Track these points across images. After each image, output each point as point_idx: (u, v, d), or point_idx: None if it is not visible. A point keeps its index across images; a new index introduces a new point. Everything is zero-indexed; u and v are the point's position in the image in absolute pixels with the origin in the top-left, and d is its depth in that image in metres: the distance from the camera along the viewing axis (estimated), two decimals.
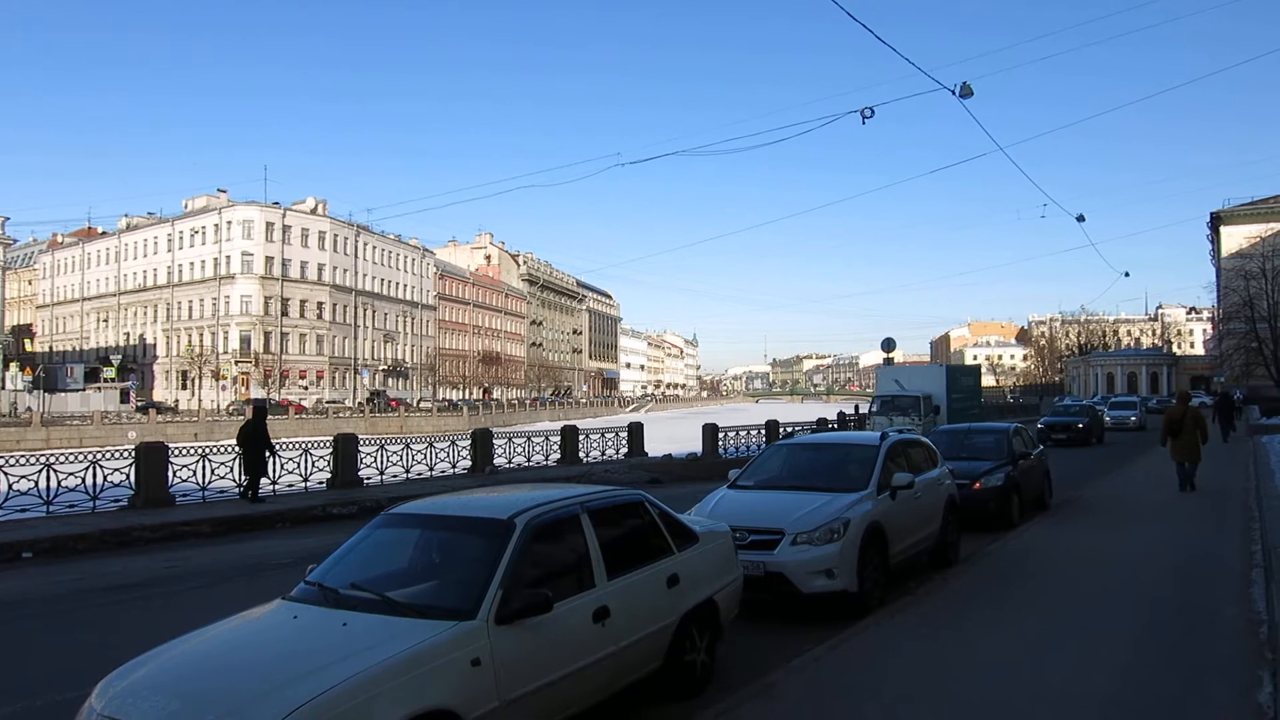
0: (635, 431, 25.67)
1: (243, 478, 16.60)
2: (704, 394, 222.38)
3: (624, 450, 25.25)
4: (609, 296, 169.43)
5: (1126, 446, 29.93)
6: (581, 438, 24.45)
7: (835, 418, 33.10)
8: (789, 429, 27.80)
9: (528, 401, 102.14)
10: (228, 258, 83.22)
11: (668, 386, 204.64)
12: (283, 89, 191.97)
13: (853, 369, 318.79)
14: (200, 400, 76.18)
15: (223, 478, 16.95)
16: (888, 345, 27.50)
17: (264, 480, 16.70)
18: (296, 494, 17.35)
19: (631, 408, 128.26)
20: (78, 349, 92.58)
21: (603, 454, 24.82)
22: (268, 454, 16.63)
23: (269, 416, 17.80)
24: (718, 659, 6.41)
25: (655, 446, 27.18)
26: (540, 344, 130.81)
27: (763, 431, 27.40)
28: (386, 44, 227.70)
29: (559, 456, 23.72)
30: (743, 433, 27.32)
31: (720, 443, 25.86)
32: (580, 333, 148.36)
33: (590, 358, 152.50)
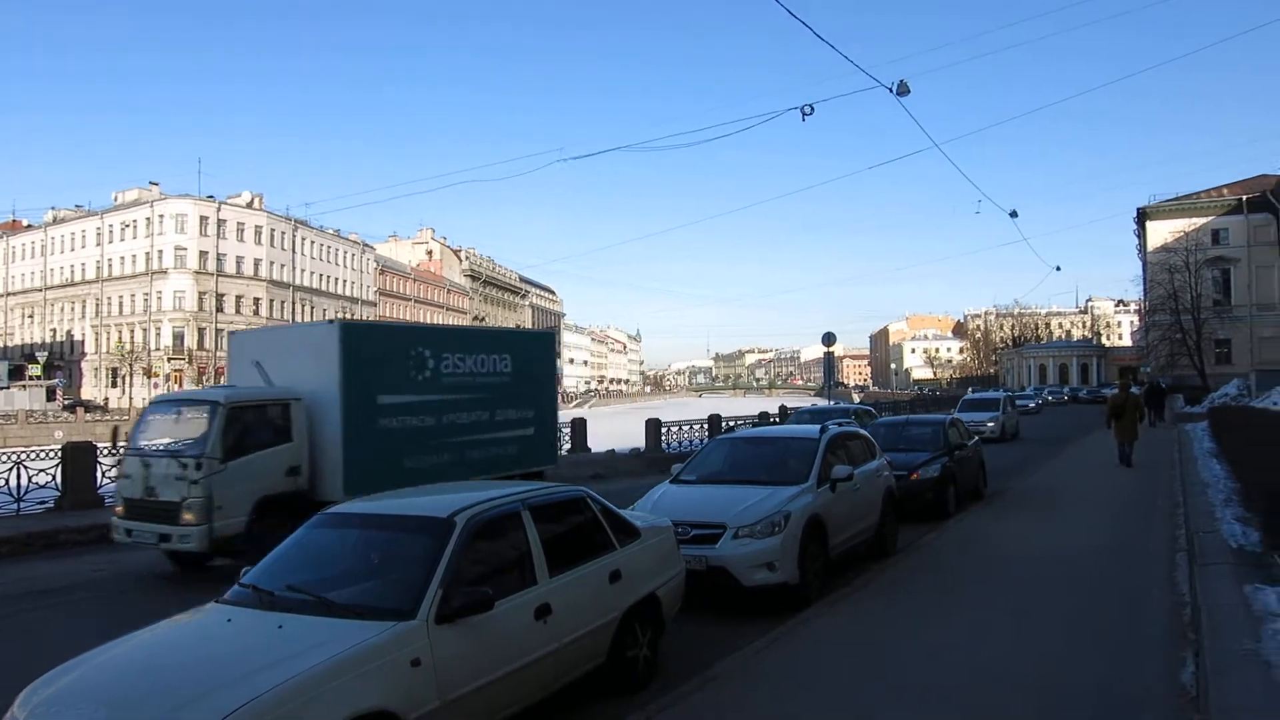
0: (578, 427, 25.61)
1: None
2: (647, 389, 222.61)
3: (566, 446, 25.18)
4: (552, 292, 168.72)
5: None
6: None
7: (777, 412, 33.37)
8: (731, 423, 27.99)
9: None
10: (160, 252, 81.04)
11: (611, 382, 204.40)
12: (218, 78, 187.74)
13: (795, 363, 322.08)
14: (131, 398, 74.13)
15: None
16: (828, 339, 27.70)
17: None
18: None
19: (575, 404, 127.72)
20: (1, 346, 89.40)
21: None
22: None
23: None
24: (660, 653, 6.43)
25: (598, 442, 27.14)
26: None
27: (705, 426, 27.51)
28: (325, 35, 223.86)
29: None
30: (685, 427, 27.39)
31: (663, 438, 25.92)
32: (523, 329, 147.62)
33: None
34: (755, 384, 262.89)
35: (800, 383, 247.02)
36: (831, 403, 27.69)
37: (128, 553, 11.98)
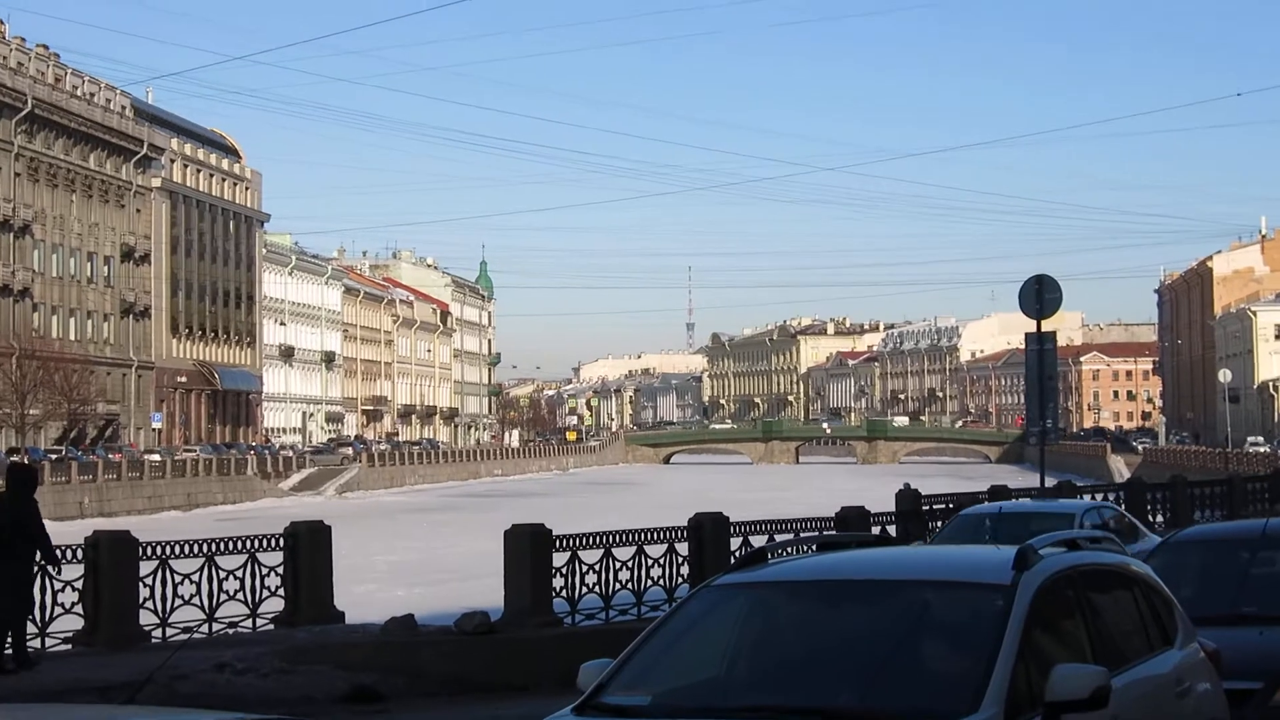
0: (311, 548, 25.69)
1: None
2: (512, 434, 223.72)
3: (274, 604, 25.23)
4: (234, 153, 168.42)
5: None
6: (150, 569, 24.35)
7: (895, 507, 33.74)
8: (758, 538, 28.24)
9: None
10: None
11: (405, 414, 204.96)
12: None
13: (944, 363, 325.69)
14: None
15: None
16: (1036, 297, 28.07)
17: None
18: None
19: (298, 479, 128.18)
20: None
21: (210, 613, 24.81)
22: (39, 565, 19.69)
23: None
24: None
25: (368, 594, 27.49)
26: (25, 288, 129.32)
27: (680, 549, 27.77)
28: None
29: (84, 625, 23.59)
30: (623, 551, 27.63)
31: (559, 580, 26.13)
32: (144, 256, 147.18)
33: (177, 332, 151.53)
34: (826, 426, 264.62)
35: (977, 424, 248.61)
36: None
37: None
